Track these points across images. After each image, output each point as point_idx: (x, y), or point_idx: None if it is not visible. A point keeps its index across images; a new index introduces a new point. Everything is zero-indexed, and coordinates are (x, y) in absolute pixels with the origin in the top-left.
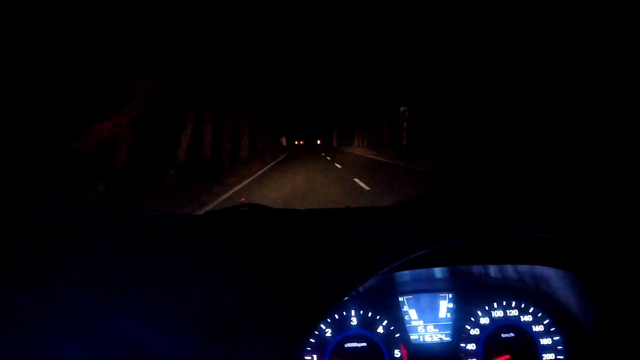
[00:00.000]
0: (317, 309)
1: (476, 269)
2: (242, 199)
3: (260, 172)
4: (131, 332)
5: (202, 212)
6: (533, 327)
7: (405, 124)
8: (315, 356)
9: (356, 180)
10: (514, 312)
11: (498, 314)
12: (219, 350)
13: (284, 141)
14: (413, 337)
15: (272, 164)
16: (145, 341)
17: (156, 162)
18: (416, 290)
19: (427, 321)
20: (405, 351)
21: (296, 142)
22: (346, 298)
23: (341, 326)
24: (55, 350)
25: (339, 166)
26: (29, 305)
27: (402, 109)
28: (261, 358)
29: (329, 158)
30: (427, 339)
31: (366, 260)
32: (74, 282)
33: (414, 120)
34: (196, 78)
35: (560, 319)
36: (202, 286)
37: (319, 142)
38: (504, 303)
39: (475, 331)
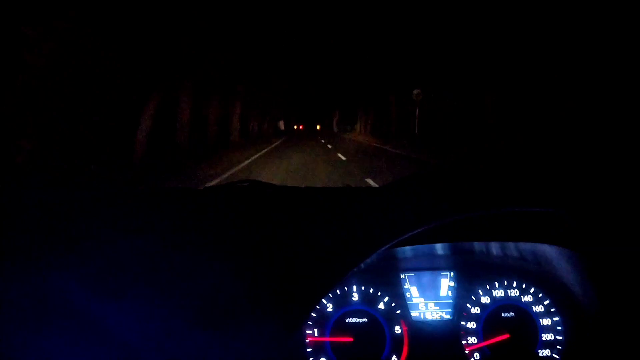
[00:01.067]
0: (320, 286)
1: (478, 247)
2: None
3: (246, 162)
4: (128, 318)
5: None
6: (534, 307)
7: (417, 110)
8: (316, 330)
9: (369, 181)
10: (515, 292)
11: (499, 293)
12: (221, 330)
13: (281, 125)
14: (414, 314)
15: (264, 150)
16: (142, 329)
17: (93, 155)
18: (418, 267)
19: (428, 299)
20: (406, 327)
21: (295, 127)
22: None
23: (342, 301)
24: (49, 343)
25: (343, 157)
26: (23, 300)
27: (415, 91)
28: (265, 336)
29: (330, 146)
30: (428, 316)
31: (368, 237)
32: (67, 270)
33: (430, 104)
34: (162, 45)
35: (561, 300)
36: (202, 264)
37: (318, 127)
38: (505, 282)
39: (475, 310)
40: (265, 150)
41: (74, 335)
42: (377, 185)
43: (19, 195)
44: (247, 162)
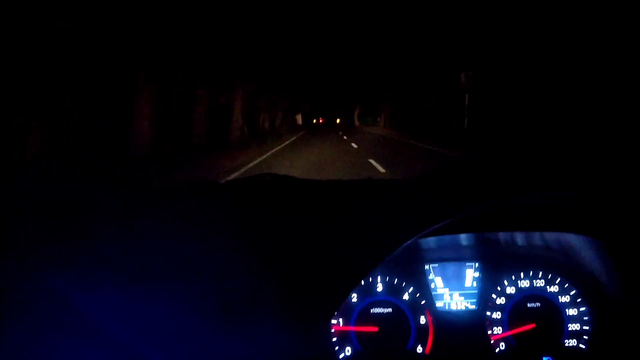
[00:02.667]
0: (349, 278)
1: (503, 237)
2: None
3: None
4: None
5: None
6: (560, 297)
7: (466, 98)
8: (341, 320)
9: None
10: (541, 282)
11: (524, 283)
12: (245, 324)
13: (299, 119)
14: (439, 304)
15: (267, 154)
16: (164, 325)
17: None
18: (442, 258)
19: (453, 289)
20: (431, 317)
21: (314, 121)
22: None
23: (367, 292)
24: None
25: (377, 165)
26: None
27: (464, 74)
28: (292, 328)
29: (355, 145)
30: (453, 307)
31: (395, 229)
32: (74, 268)
33: (483, 91)
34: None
35: (587, 290)
36: (226, 259)
37: (338, 120)
38: (531, 273)
39: (501, 300)
40: (270, 153)
41: (76, 335)
42: None
43: (25, 193)
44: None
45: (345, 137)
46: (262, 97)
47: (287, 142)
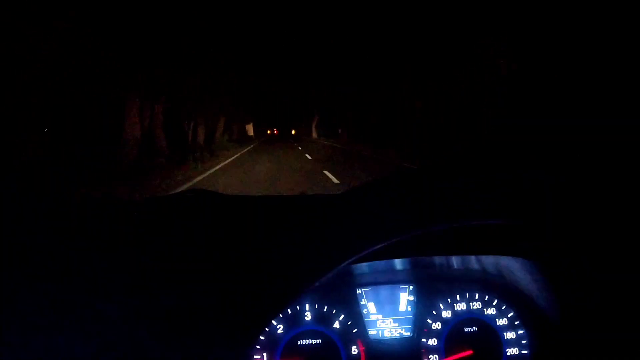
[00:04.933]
0: (269, 307)
1: (438, 260)
2: None
3: None
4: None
5: None
6: (497, 320)
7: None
8: (265, 355)
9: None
10: (477, 305)
11: (461, 306)
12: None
13: (250, 130)
14: (371, 332)
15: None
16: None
17: None
18: (375, 282)
19: (387, 315)
20: (363, 347)
21: (268, 132)
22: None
23: (294, 322)
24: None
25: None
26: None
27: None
28: (212, 356)
29: (309, 157)
30: (387, 334)
31: (324, 253)
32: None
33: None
34: None
35: (525, 312)
36: (144, 280)
37: (293, 132)
38: (467, 295)
39: (437, 325)
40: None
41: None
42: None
43: (21, 194)
44: None
45: (307, 155)
46: (201, 108)
47: (220, 165)
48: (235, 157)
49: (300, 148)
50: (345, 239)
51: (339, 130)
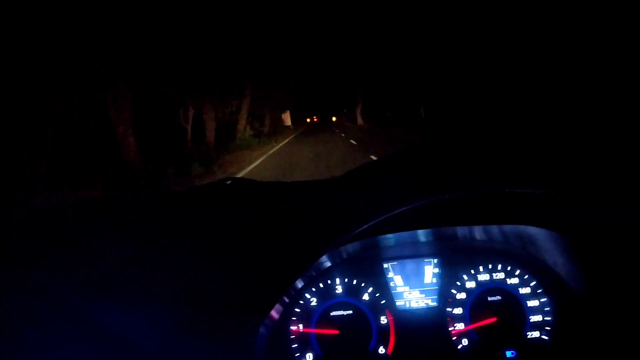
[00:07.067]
0: (291, 269)
1: (461, 231)
2: None
3: None
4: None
5: None
6: (520, 289)
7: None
8: (301, 325)
9: None
10: (500, 275)
11: (484, 277)
12: (202, 329)
13: (287, 119)
14: (399, 303)
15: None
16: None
17: None
18: (401, 256)
19: (413, 287)
20: (392, 317)
21: (308, 120)
22: (329, 264)
23: (326, 295)
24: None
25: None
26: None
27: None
28: (238, 321)
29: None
30: (413, 305)
31: (341, 221)
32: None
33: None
34: None
35: (547, 281)
36: (183, 265)
37: (334, 118)
38: (490, 266)
39: (461, 295)
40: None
41: (66, 335)
42: None
43: (23, 201)
44: None
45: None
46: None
47: (248, 169)
48: (258, 162)
49: (337, 131)
50: (363, 207)
51: (388, 114)
